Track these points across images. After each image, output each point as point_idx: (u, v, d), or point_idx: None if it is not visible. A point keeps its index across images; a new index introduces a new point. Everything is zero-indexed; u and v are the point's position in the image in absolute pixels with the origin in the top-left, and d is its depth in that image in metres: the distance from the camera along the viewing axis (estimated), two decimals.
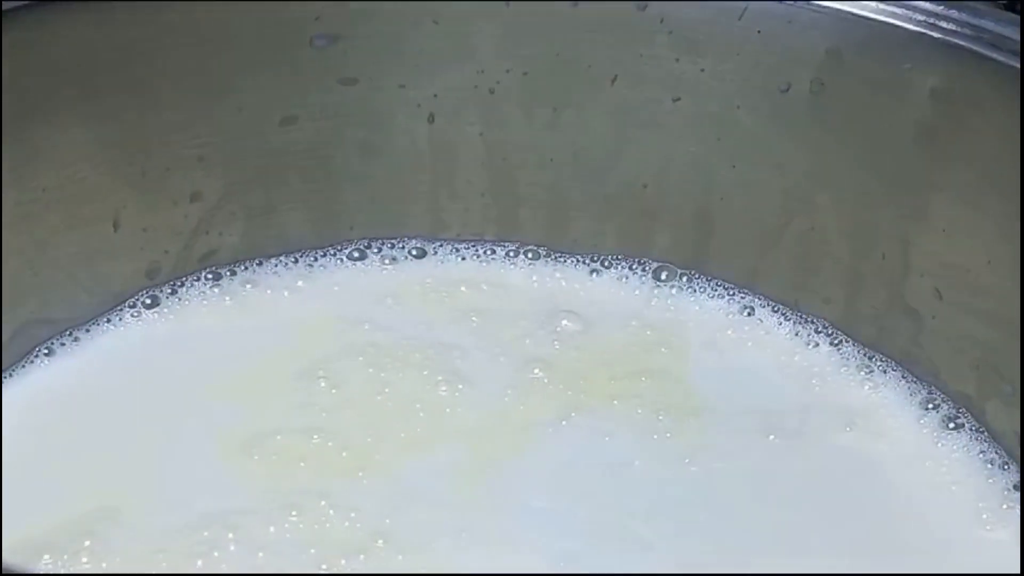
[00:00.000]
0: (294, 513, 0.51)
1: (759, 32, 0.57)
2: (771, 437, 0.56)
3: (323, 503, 0.51)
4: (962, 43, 0.53)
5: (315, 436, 0.54)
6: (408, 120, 0.62)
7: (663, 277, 0.64)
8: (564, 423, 0.56)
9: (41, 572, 0.47)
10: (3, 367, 0.57)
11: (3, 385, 0.56)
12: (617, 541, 0.52)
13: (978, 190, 0.54)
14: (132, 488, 0.52)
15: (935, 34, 0.53)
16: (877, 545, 0.52)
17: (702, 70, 0.59)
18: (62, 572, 0.48)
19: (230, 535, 0.50)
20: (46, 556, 0.49)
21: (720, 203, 0.62)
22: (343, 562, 0.49)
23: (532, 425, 0.56)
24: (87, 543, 0.49)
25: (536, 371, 0.59)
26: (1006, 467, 0.55)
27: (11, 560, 0.31)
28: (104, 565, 0.48)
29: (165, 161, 0.59)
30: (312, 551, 0.50)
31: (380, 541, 0.50)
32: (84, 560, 0.49)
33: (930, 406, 0.58)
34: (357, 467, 0.53)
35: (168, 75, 0.57)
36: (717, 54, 0.58)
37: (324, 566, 0.49)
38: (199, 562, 0.49)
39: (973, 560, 0.51)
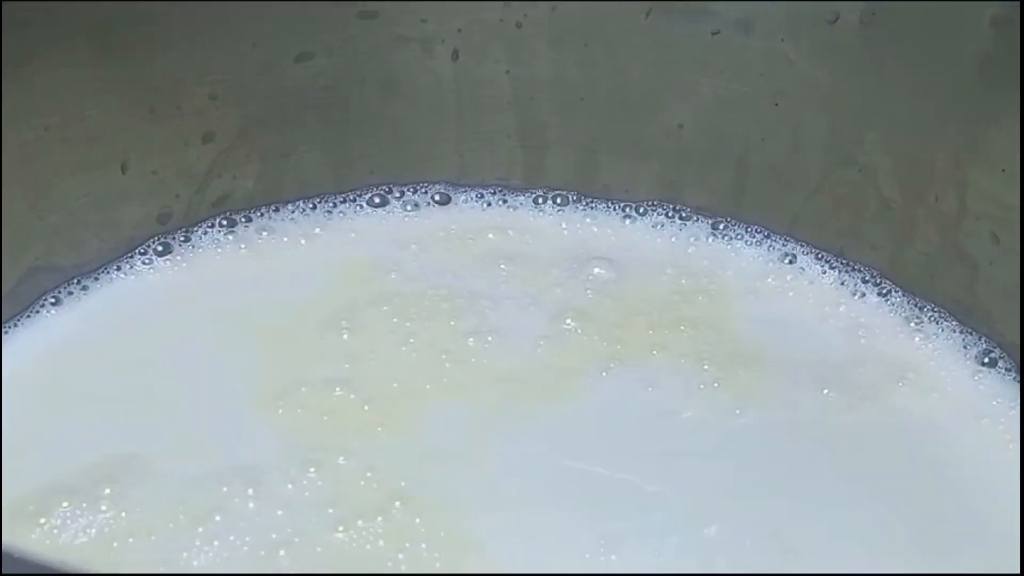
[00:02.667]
0: (312, 470, 0.50)
1: None
2: (825, 391, 0.54)
3: (342, 460, 0.50)
4: None
5: (338, 388, 0.53)
6: (430, 57, 0.60)
7: (700, 223, 0.62)
8: (604, 374, 0.54)
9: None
10: (8, 316, 0.55)
11: (9, 335, 0.55)
12: (673, 500, 0.50)
13: None
14: (150, 438, 0.51)
15: None
16: (935, 508, 0.50)
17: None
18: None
19: (250, 491, 0.49)
20: (64, 503, 0.48)
21: (761, 144, 0.60)
22: (360, 523, 0.48)
23: (568, 377, 0.54)
24: (107, 491, 0.48)
25: (569, 321, 0.57)
26: None
27: (11, 546, 0.30)
28: (123, 515, 0.48)
29: (175, 99, 0.57)
30: (330, 511, 0.48)
31: (398, 503, 0.49)
32: (103, 508, 0.48)
33: (986, 359, 0.56)
34: (379, 422, 0.52)
35: (178, 8, 0.54)
36: None
37: (341, 527, 0.48)
38: (217, 516, 0.48)
39: None
